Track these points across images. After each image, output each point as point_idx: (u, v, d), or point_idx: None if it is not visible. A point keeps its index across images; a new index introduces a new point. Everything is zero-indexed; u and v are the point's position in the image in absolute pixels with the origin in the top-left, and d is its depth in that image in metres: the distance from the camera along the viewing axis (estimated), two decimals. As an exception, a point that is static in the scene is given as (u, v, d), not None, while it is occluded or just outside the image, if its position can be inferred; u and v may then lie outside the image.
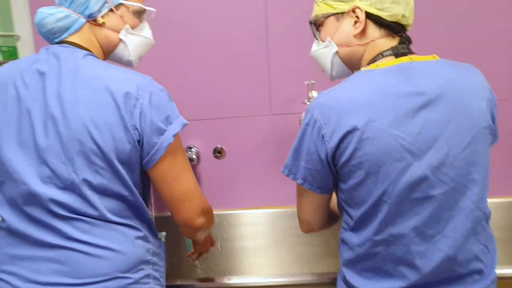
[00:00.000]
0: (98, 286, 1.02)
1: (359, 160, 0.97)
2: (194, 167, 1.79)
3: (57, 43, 1.13)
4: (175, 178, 1.09)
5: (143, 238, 1.11)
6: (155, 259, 1.13)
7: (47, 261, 1.02)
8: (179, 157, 1.09)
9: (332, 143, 0.98)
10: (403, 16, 1.04)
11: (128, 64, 1.22)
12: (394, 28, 1.05)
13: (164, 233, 1.25)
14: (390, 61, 1.02)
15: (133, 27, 1.18)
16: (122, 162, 1.04)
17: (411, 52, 1.05)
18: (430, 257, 0.98)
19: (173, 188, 1.10)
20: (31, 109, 1.03)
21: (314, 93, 1.58)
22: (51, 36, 1.13)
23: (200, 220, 1.14)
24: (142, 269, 1.09)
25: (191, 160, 1.71)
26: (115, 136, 1.01)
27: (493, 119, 1.04)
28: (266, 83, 1.70)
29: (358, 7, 1.04)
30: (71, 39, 1.12)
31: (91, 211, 1.04)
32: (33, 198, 1.01)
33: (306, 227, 1.16)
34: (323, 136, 0.99)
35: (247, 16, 1.67)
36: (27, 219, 1.03)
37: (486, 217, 1.04)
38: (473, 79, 1.02)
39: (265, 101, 1.72)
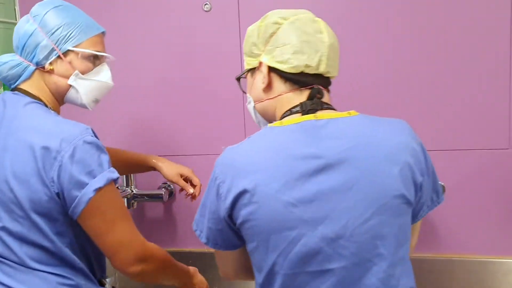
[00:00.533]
0: None
1: (251, 224, 0.92)
2: (169, 205, 1.77)
3: (12, 89, 1.17)
4: (103, 232, 1.08)
5: (72, 286, 1.10)
6: None
7: None
8: (108, 210, 1.07)
9: (227, 203, 0.93)
10: (307, 66, 0.96)
11: (83, 107, 1.24)
12: (300, 81, 0.98)
13: (108, 279, 1.24)
14: (294, 119, 0.95)
15: (84, 72, 1.19)
16: (39, 213, 1.05)
17: (324, 108, 0.97)
18: None
19: (103, 241, 1.09)
20: None
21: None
22: (7, 83, 1.18)
23: (134, 268, 1.11)
24: None
25: (159, 197, 1.70)
26: (31, 188, 1.03)
27: (416, 185, 0.94)
28: (241, 121, 1.67)
29: (261, 62, 1.00)
30: (23, 86, 1.16)
31: (12, 257, 1.06)
32: None
33: (223, 274, 1.12)
34: (220, 195, 0.94)
35: (222, 54, 1.65)
36: None
37: None
38: (390, 140, 0.93)
39: (240, 139, 1.68)
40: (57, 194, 1.04)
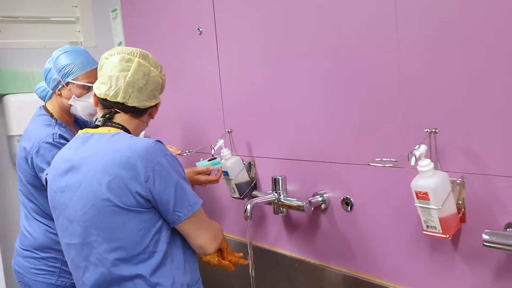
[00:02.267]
0: (25, 252, 1.73)
1: None
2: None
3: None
4: None
5: (52, 233, 1.72)
6: None
7: None
8: None
9: None
10: (106, 95, 1.28)
11: (82, 119, 1.86)
12: (103, 104, 1.32)
13: None
14: (82, 130, 1.33)
15: (79, 96, 1.75)
16: (30, 184, 1.71)
17: (107, 125, 1.29)
18: None
19: None
20: None
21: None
22: (43, 101, 1.84)
23: None
24: (49, 252, 1.72)
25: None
26: (24, 170, 1.69)
27: (132, 193, 1.19)
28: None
29: None
30: (47, 103, 1.81)
31: (27, 208, 1.75)
32: None
33: None
34: None
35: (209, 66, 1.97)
36: None
37: (126, 278, 1.21)
38: (113, 155, 1.20)
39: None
40: (36, 174, 1.68)
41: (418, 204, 1.17)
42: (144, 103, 1.32)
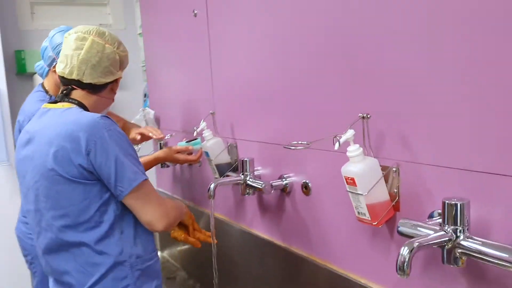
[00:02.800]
0: (23, 218, 1.91)
1: None
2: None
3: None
4: None
5: None
6: None
7: None
8: None
9: None
10: (63, 73, 1.37)
11: None
12: (62, 81, 1.40)
13: None
14: (43, 105, 1.41)
15: None
16: None
17: (65, 101, 1.37)
18: (37, 251, 1.40)
19: None
20: None
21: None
22: (42, 77, 2.00)
23: None
24: None
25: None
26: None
27: (74, 165, 1.25)
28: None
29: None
30: (44, 80, 1.94)
31: None
32: None
33: None
34: None
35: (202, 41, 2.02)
36: None
37: (72, 244, 1.29)
38: (60, 128, 1.28)
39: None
40: None
41: (348, 190, 1.16)
42: (99, 79, 1.39)
